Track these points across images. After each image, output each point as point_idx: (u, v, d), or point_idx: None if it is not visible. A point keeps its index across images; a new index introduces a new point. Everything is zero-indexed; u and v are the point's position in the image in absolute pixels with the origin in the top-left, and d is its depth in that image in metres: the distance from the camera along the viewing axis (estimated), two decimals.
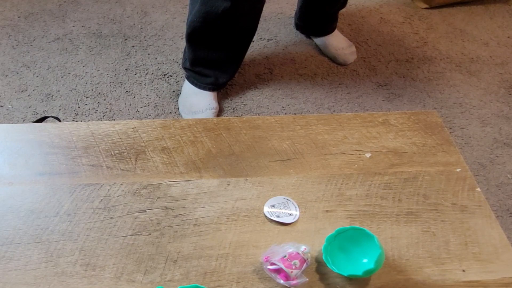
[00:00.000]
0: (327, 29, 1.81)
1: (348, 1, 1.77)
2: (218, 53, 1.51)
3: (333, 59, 1.80)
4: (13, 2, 2.01)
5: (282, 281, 0.68)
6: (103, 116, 1.57)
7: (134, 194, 0.80)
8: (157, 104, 1.61)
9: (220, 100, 1.63)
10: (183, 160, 0.85)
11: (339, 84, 1.73)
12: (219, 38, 1.46)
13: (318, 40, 1.84)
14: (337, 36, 1.82)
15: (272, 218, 0.77)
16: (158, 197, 0.80)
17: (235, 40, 1.50)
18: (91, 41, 1.84)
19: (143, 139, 0.88)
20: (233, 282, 0.70)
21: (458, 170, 0.86)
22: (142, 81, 1.69)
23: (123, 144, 0.87)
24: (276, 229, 0.76)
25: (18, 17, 1.94)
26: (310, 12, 1.79)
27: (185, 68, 1.61)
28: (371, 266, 0.67)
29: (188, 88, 1.60)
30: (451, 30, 2.00)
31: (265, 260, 0.70)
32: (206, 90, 1.58)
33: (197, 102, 1.57)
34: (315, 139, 0.90)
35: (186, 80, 1.62)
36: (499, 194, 1.42)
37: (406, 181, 0.84)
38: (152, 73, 1.72)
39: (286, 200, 0.80)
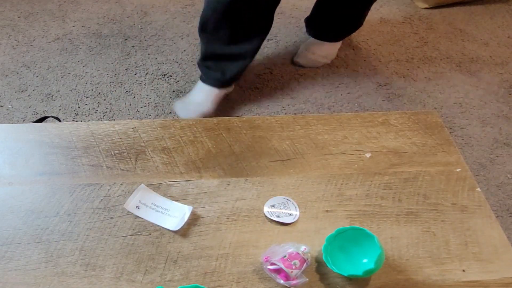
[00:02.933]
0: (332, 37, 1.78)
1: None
2: (228, 47, 1.51)
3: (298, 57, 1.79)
4: (13, 2, 2.01)
5: (282, 281, 0.68)
6: (103, 116, 1.57)
7: None
8: (157, 104, 1.61)
9: (220, 105, 1.62)
10: (183, 160, 0.85)
11: (339, 84, 1.73)
12: (229, 30, 1.46)
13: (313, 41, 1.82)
14: (329, 45, 1.80)
15: (272, 218, 0.77)
16: None
17: (244, 33, 1.50)
18: (91, 41, 1.84)
19: (143, 139, 0.88)
20: (233, 282, 0.70)
21: (458, 170, 0.86)
22: (142, 81, 1.69)
23: (123, 144, 0.87)
24: (276, 229, 0.76)
25: (18, 17, 1.94)
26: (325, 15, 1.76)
27: (198, 65, 1.63)
28: (371, 266, 0.67)
29: (196, 85, 1.62)
30: (451, 30, 2.00)
31: (265, 260, 0.70)
32: (212, 85, 1.59)
33: (195, 94, 1.59)
34: (315, 139, 0.90)
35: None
36: (499, 194, 1.42)
37: (406, 181, 0.84)
38: (152, 73, 1.72)
39: (286, 200, 0.80)
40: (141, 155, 0.86)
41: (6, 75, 1.69)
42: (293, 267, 0.68)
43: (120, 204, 0.78)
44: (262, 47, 1.84)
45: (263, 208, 0.79)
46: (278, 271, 0.69)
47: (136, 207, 0.77)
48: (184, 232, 0.75)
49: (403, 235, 0.76)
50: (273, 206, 0.79)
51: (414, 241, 0.76)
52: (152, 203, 0.78)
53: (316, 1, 1.74)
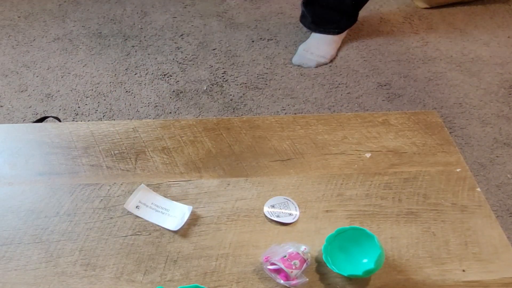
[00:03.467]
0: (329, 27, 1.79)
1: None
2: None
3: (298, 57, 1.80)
4: (13, 2, 2.01)
5: (282, 281, 0.68)
6: (103, 116, 1.57)
7: None
8: (157, 104, 1.61)
9: (220, 105, 1.63)
10: (183, 160, 0.85)
11: (339, 84, 1.73)
12: None
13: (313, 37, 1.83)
14: (323, 41, 1.80)
15: (272, 218, 0.77)
16: None
17: None
18: (91, 41, 1.84)
19: (143, 139, 0.88)
20: (233, 282, 0.70)
21: (458, 170, 0.86)
22: (142, 81, 1.69)
23: (123, 144, 0.87)
24: (276, 229, 0.76)
25: (18, 17, 1.94)
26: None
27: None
28: (371, 266, 0.67)
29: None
30: (451, 30, 2.00)
31: (265, 260, 0.70)
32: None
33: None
34: (315, 139, 0.90)
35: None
36: (499, 194, 1.42)
37: (406, 181, 0.84)
38: (152, 73, 1.72)
39: (286, 200, 0.80)
40: (141, 155, 0.86)
41: (6, 75, 1.69)
42: (293, 267, 0.68)
43: (120, 204, 0.78)
44: (262, 47, 1.84)
45: (263, 208, 0.79)
46: (278, 271, 0.69)
47: (136, 207, 0.77)
48: (184, 232, 0.75)
49: (403, 235, 0.76)
50: (273, 206, 0.79)
51: (414, 241, 0.76)
52: (152, 203, 0.78)
53: None
